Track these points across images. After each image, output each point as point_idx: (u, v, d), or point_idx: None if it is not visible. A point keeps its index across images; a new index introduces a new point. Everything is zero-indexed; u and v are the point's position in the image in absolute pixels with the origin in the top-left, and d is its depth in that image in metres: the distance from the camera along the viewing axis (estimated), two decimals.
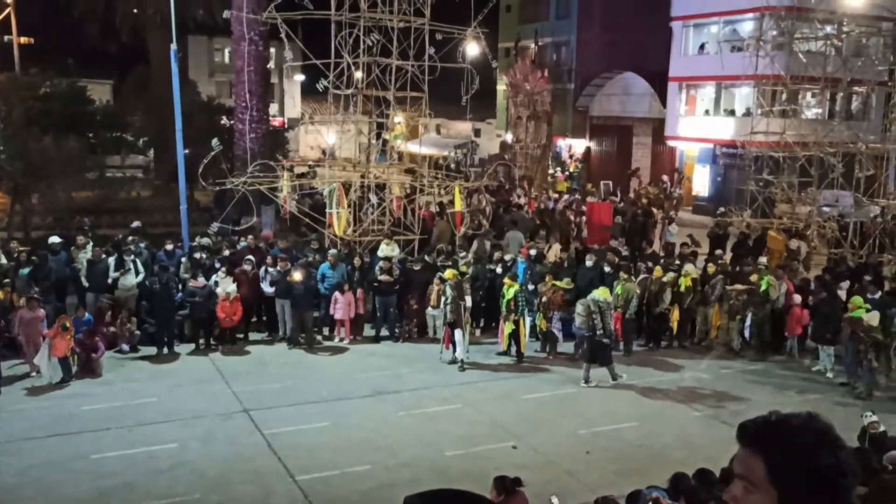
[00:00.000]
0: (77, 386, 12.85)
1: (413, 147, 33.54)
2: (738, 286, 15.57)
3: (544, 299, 15.01)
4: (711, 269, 16.34)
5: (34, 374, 12.92)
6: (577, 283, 16.05)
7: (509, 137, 44.31)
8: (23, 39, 39.99)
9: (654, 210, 27.00)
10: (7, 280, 14.41)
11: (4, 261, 15.04)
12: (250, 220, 18.37)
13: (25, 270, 14.71)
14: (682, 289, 15.67)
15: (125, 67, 42.13)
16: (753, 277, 15.55)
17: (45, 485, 9.55)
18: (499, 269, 16.37)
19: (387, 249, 16.96)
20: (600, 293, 13.76)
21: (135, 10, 30.73)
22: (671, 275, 15.74)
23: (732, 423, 11.89)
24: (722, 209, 25.55)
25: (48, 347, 12.70)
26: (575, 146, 45.95)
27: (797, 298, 15.38)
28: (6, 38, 48.17)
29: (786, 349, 15.76)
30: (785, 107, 27.09)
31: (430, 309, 15.82)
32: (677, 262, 16.93)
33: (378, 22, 18.10)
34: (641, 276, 15.88)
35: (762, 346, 15.58)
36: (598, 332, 13.42)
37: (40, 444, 10.62)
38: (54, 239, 15.87)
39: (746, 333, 15.57)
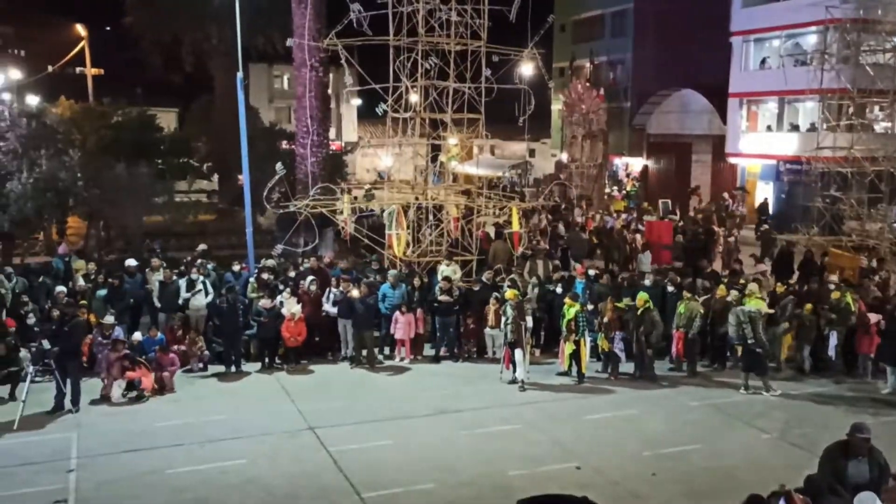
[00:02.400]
0: (150, 403, 13.30)
1: (468, 168, 33.78)
2: (825, 306, 15.31)
3: (605, 319, 14.92)
4: (780, 289, 16.00)
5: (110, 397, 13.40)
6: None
7: (564, 157, 44.20)
8: (94, 71, 41.69)
9: (716, 229, 26.57)
10: (84, 301, 15.03)
11: (82, 283, 15.70)
12: (313, 242, 18.76)
13: (102, 292, 15.34)
14: None
15: (189, 96, 43.65)
16: (836, 295, 15.25)
17: (121, 499, 9.88)
18: (558, 289, 16.35)
19: (448, 270, 17.10)
20: (752, 303, 14.15)
21: (203, 39, 31.75)
22: (735, 294, 15.48)
23: (803, 445, 11.64)
24: (765, 226, 25.14)
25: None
26: (632, 164, 45.57)
27: (874, 317, 14.97)
28: (78, 69, 50.41)
29: (858, 370, 15.33)
30: (852, 121, 26.44)
31: (488, 329, 15.89)
32: (742, 281, 16.64)
33: (435, 46, 18.40)
34: (705, 296, 15.64)
35: (843, 366, 15.32)
36: (749, 342, 13.87)
37: (116, 459, 11.00)
38: (131, 262, 16.50)
39: (832, 353, 15.23)
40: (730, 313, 14.52)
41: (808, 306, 15.30)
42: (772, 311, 14.74)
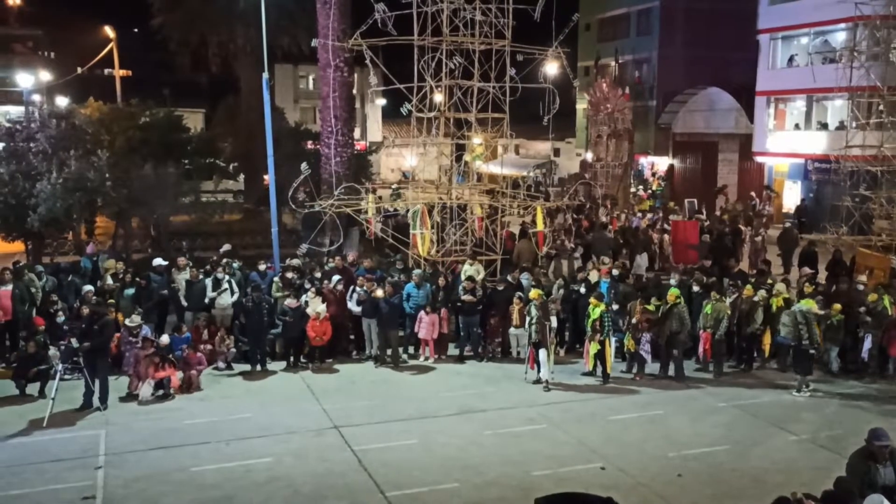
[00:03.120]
0: (178, 401, 13.43)
1: (493, 168, 33.74)
2: (861, 308, 15.12)
3: (633, 320, 14.81)
4: (809, 289, 15.78)
5: (138, 395, 13.53)
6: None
7: (589, 156, 44.00)
8: (122, 72, 42.20)
9: (743, 228, 26.29)
10: (112, 300, 15.21)
11: (111, 282, 15.89)
12: (338, 241, 18.84)
13: (130, 291, 15.52)
14: (774, 310, 15.20)
15: (216, 96, 44.09)
16: (873, 298, 15.05)
17: (149, 496, 9.97)
18: (582, 289, 16.28)
19: (471, 270, 17.09)
20: (807, 304, 14.10)
21: (229, 41, 32.04)
22: (762, 294, 15.31)
23: (832, 447, 11.49)
24: (787, 224, 24.74)
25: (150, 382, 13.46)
26: (658, 164, 45.24)
27: None
28: (107, 71, 51.13)
29: (888, 371, 15.09)
30: (882, 119, 26.03)
31: (512, 328, 15.85)
32: (769, 281, 16.45)
33: (460, 45, 18.38)
34: (734, 296, 15.47)
35: (876, 368, 15.10)
36: (804, 342, 13.92)
37: (144, 456, 11.12)
38: (159, 261, 16.66)
39: (865, 355, 15.01)
40: (784, 314, 14.41)
41: (837, 306, 15.07)
42: (822, 312, 14.54)
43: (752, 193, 35.62)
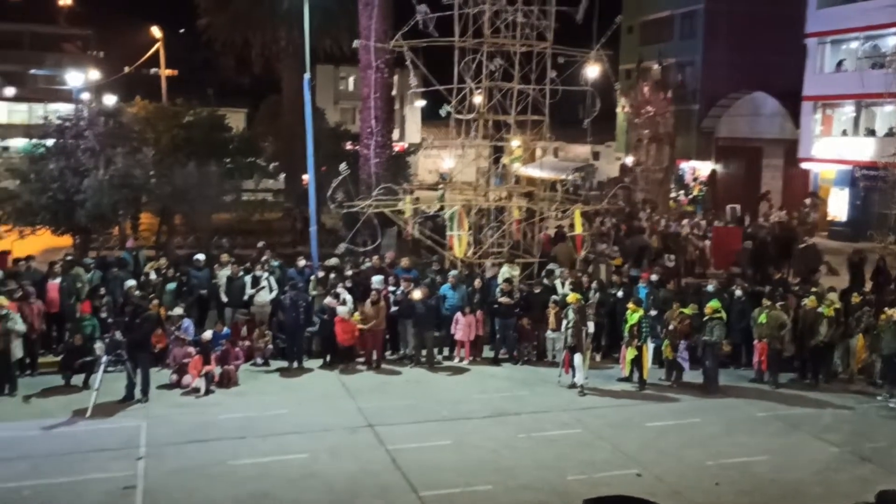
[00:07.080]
0: (216, 395, 13.62)
1: (531, 170, 33.63)
2: None
3: (671, 327, 14.62)
4: (856, 299, 15.41)
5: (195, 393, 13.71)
6: (703, 309, 15.53)
7: (629, 160, 43.57)
8: (168, 72, 42.93)
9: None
10: (154, 294, 15.49)
11: (154, 277, 16.19)
12: (376, 241, 18.94)
13: (172, 286, 15.81)
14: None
15: (258, 96, 44.70)
16: None
17: (187, 489, 10.13)
18: (620, 294, 16.13)
19: (504, 272, 17.03)
20: None
21: (272, 41, 32.40)
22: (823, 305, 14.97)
23: (874, 459, 11.23)
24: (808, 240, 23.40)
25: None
26: (699, 169, 44.62)
27: None
28: (153, 70, 52.10)
29: None
30: None
31: (549, 332, 15.77)
32: (813, 289, 16.11)
33: (501, 47, 18.36)
34: (780, 304, 15.14)
35: None
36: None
37: (183, 449, 11.30)
38: (199, 256, 16.94)
39: None
40: (887, 331, 14.07)
41: (883, 316, 14.71)
42: None
43: (806, 201, 34.80)
